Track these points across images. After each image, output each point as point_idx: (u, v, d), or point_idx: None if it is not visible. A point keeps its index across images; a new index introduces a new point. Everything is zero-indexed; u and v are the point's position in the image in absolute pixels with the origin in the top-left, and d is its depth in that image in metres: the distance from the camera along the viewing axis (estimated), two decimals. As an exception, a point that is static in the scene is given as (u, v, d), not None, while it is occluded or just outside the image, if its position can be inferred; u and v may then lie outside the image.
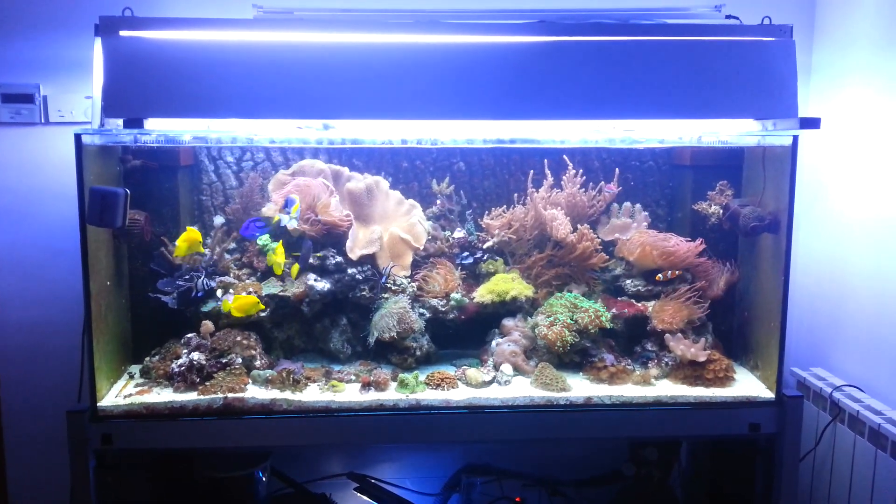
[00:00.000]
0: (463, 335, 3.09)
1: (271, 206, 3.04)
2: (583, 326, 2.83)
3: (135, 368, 2.92)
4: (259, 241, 3.01)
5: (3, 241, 3.19)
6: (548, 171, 3.11)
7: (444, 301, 2.96)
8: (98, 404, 2.60)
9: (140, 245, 2.92)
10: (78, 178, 2.49)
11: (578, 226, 3.07)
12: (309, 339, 3.03)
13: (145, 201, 2.93)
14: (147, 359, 2.87)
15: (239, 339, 2.81)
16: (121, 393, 2.70)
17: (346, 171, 3.15)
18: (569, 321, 2.83)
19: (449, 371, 2.86)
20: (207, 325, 2.80)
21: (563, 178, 3.13)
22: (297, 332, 3.00)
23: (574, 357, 2.89)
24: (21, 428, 3.31)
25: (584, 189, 3.14)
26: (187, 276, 2.85)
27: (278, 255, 2.83)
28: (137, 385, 2.76)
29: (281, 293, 2.90)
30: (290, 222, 2.85)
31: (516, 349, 2.88)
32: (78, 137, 2.49)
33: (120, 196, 2.52)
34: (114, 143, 2.75)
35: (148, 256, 2.97)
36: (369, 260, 2.95)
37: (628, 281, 3.05)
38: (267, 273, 2.99)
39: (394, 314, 2.82)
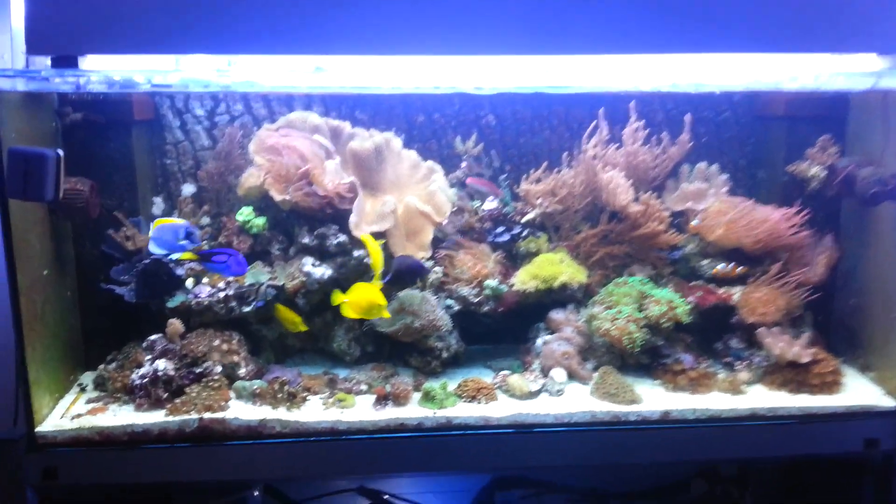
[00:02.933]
0: (498, 331, 2.61)
1: (253, 171, 2.52)
2: (654, 320, 2.36)
3: (88, 377, 2.42)
4: (239, 217, 2.50)
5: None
6: (602, 123, 2.59)
7: (477, 289, 2.47)
8: (37, 429, 2.11)
9: (87, 223, 2.39)
10: (-6, 138, 1.96)
11: (640, 194, 2.57)
12: (307, 338, 2.54)
13: (91, 167, 2.41)
14: (102, 367, 2.38)
15: (217, 342, 2.31)
16: (68, 412, 2.21)
17: (347, 126, 2.62)
18: (636, 314, 2.35)
19: (485, 378, 2.38)
20: (175, 325, 2.30)
21: (624, 133, 2.61)
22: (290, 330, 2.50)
23: (642, 358, 2.42)
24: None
25: (646, 146, 2.63)
26: (146, 262, 2.33)
27: (286, 314, 2.40)
28: (90, 401, 2.27)
29: (271, 282, 2.39)
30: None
31: (569, 349, 2.40)
32: (-9, 81, 1.95)
33: (48, 159, 1.99)
34: (39, 89, 2.21)
35: (98, 236, 2.45)
36: (380, 239, 2.44)
37: (704, 261, 2.56)
38: (250, 257, 2.48)
39: (416, 311, 2.33)
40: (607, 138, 2.60)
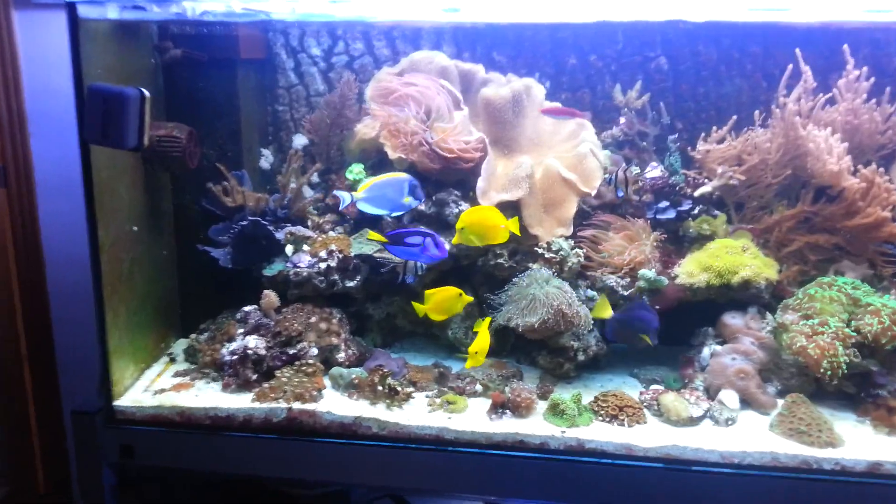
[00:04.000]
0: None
1: (368, 122, 2.16)
2: (869, 338, 1.77)
3: (181, 345, 2.23)
4: (349, 175, 2.16)
5: None
6: (805, 68, 1.98)
7: (628, 280, 1.98)
8: (115, 403, 1.93)
9: (185, 174, 2.16)
10: (74, 71, 1.73)
11: (860, 166, 1.95)
12: (418, 320, 2.19)
13: (191, 111, 2.16)
14: (194, 336, 2.17)
15: (315, 319, 2.01)
16: (152, 385, 2.01)
17: (480, 70, 2.20)
18: (844, 329, 1.77)
19: (630, 392, 1.92)
20: (270, 297, 2.02)
21: (839, 83, 1.98)
22: (401, 308, 2.17)
23: (846, 386, 1.84)
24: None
25: (873, 104, 1.98)
26: (244, 223, 2.07)
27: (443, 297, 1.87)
28: (177, 374, 2.07)
29: (379, 255, 2.05)
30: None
31: (746, 366, 1.87)
32: (72, 7, 1.70)
33: (130, 99, 1.74)
34: (135, 18, 1.96)
35: (198, 190, 2.21)
36: (511, 209, 2.01)
37: (947, 262, 1.91)
38: (360, 223, 2.15)
39: (545, 302, 1.89)
40: (812, 85, 1.98)
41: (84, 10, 1.73)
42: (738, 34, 2.15)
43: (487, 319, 1.83)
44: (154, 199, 2.14)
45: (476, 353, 1.76)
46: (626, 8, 1.97)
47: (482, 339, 1.78)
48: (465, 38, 2.28)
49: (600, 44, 2.24)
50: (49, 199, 1.80)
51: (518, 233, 1.85)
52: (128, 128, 1.76)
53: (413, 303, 1.89)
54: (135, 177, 2.03)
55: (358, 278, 2.07)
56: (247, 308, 2.05)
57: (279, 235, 2.07)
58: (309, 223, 2.16)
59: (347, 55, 2.35)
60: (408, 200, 1.83)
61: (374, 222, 2.17)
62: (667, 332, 2.09)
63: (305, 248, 2.06)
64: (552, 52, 2.26)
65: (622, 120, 2.19)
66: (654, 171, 2.10)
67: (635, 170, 2.12)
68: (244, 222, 2.06)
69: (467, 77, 2.18)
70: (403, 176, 1.86)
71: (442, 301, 1.86)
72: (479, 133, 2.02)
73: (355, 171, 2.15)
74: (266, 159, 2.37)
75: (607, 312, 1.88)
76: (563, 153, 2.13)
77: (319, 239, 2.07)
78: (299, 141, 2.38)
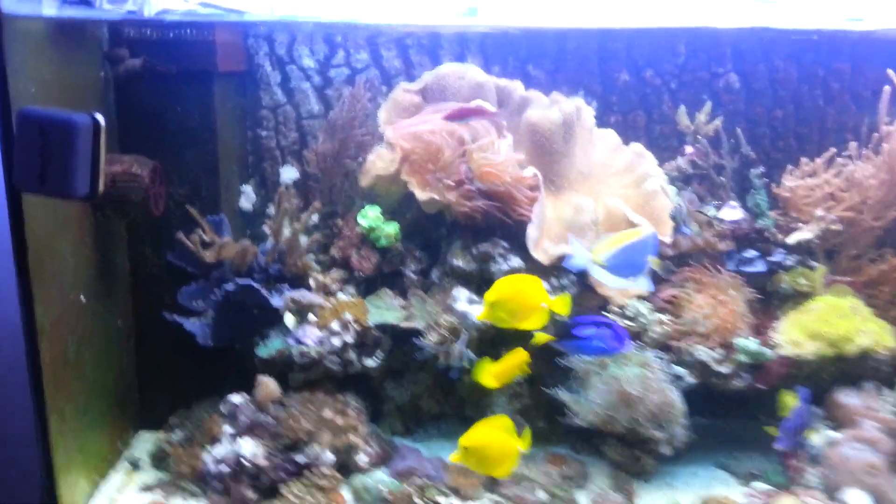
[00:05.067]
0: (739, 405, 1.75)
1: (383, 152, 1.72)
2: None
3: (143, 443, 1.73)
4: (363, 220, 1.72)
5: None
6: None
7: (722, 351, 1.60)
8: (59, 539, 1.42)
9: (147, 222, 1.67)
10: (-3, 91, 1.24)
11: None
12: (447, 400, 1.76)
13: (153, 140, 1.67)
14: (163, 435, 1.67)
15: (329, 413, 1.56)
16: (111, 504, 1.51)
17: (518, 87, 1.80)
18: None
19: (731, 492, 1.54)
20: (268, 386, 1.55)
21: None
22: (427, 388, 1.73)
23: None
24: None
25: None
26: (229, 287, 1.59)
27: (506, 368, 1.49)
28: (145, 489, 1.57)
29: (405, 324, 1.61)
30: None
31: (874, 459, 1.52)
32: (-9, 3, 1.22)
33: (79, 130, 1.26)
34: (80, 17, 1.48)
35: (163, 242, 1.72)
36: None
37: None
38: (374, 282, 1.72)
39: (624, 390, 1.49)
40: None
41: (10, 4, 1.23)
42: (823, 47, 1.82)
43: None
44: (106, 256, 1.64)
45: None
46: (689, 10, 1.62)
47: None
48: (494, 47, 1.87)
49: (658, 57, 1.88)
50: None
51: (566, 312, 1.45)
52: (76, 170, 1.27)
53: (464, 359, 1.48)
54: (81, 230, 1.54)
55: (379, 355, 1.63)
56: (235, 399, 1.58)
57: (276, 302, 1.61)
58: (311, 282, 1.70)
59: (348, 67, 1.90)
60: (655, 264, 1.38)
61: (391, 280, 1.73)
62: (756, 408, 1.72)
63: (312, 317, 1.60)
64: (600, 65, 1.89)
65: (689, 149, 1.82)
66: (734, 211, 1.73)
67: (710, 210, 1.76)
68: (229, 286, 1.59)
69: (503, 95, 1.78)
70: (645, 232, 1.40)
71: (509, 367, 1.46)
72: (531, 168, 1.61)
73: (370, 215, 1.70)
74: (247, 198, 1.90)
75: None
76: (620, 189, 1.74)
77: (329, 306, 1.61)
78: (289, 174, 1.92)
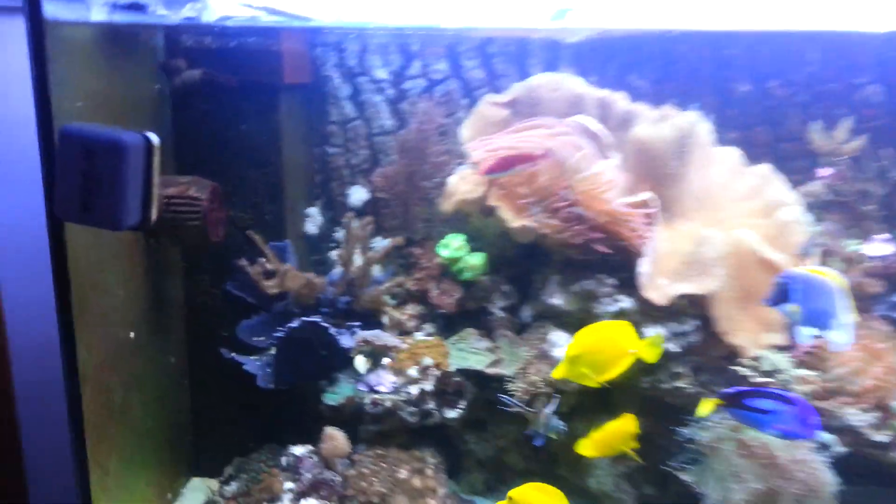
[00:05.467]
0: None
1: (467, 173, 1.52)
2: None
3: (194, 493, 1.56)
4: (442, 251, 1.52)
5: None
6: None
7: (875, 415, 1.33)
8: None
9: (205, 250, 1.51)
10: (38, 102, 1.09)
11: None
12: (536, 456, 1.54)
13: (213, 159, 1.51)
14: (217, 487, 1.49)
15: (404, 473, 1.35)
16: (157, 568, 1.33)
17: (620, 100, 1.57)
18: None
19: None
20: (336, 441, 1.37)
21: None
22: (514, 441, 1.51)
23: None
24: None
25: None
26: (294, 325, 1.41)
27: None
28: (193, 547, 1.39)
29: (491, 370, 1.40)
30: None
31: None
32: (34, 3, 1.06)
33: (129, 151, 1.09)
34: (131, 23, 1.33)
35: (223, 270, 1.56)
36: (690, 304, 1.37)
37: None
38: (454, 320, 1.51)
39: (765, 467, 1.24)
40: None
41: (54, 9, 1.08)
42: None
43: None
44: (159, 287, 1.48)
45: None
46: (822, 12, 1.38)
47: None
48: (590, 54, 1.66)
49: (784, 65, 1.63)
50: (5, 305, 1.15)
51: (653, 360, 1.22)
52: (125, 197, 1.11)
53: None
54: (132, 259, 1.37)
55: (461, 405, 1.41)
56: (297, 450, 1.40)
57: (346, 342, 1.41)
58: (385, 319, 1.50)
59: (425, 78, 1.71)
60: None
61: (474, 318, 1.52)
62: None
63: (386, 360, 1.40)
64: (715, 75, 1.64)
65: (824, 171, 1.56)
66: (885, 246, 1.46)
67: (851, 244, 1.49)
68: (293, 323, 1.40)
69: (602, 109, 1.55)
70: (831, 277, 1.12)
71: (612, 437, 1.23)
72: (647, 192, 1.39)
73: (453, 245, 1.50)
74: (313, 221, 1.73)
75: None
76: (744, 219, 1.49)
77: (406, 348, 1.41)
78: (358, 195, 1.74)
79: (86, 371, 1.21)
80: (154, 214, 1.17)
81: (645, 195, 1.39)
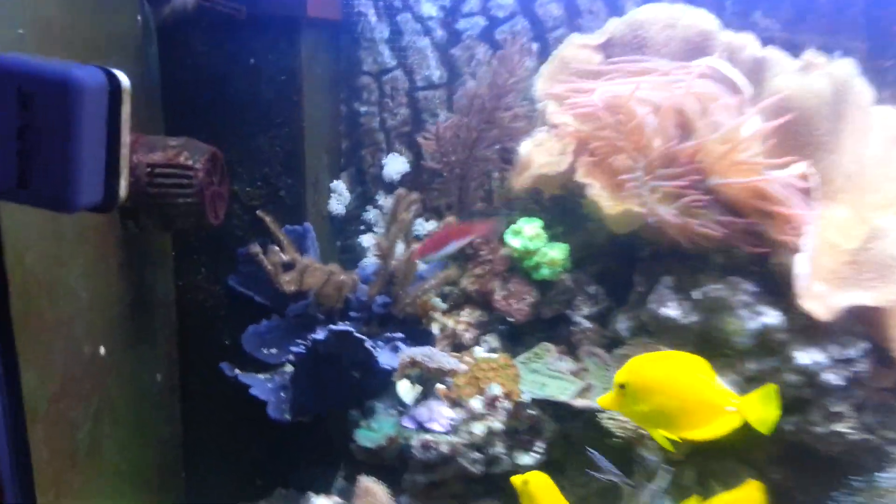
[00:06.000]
0: None
1: (544, 139, 1.16)
2: None
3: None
4: (512, 239, 1.16)
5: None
6: None
7: None
8: None
9: (202, 233, 1.17)
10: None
11: None
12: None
13: (213, 115, 1.15)
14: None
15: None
16: None
17: (750, 43, 1.19)
18: None
19: None
20: (374, 497, 1.02)
21: None
22: (597, 492, 1.16)
23: None
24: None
25: None
26: (318, 337, 1.06)
27: None
28: None
29: (579, 402, 1.05)
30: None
31: None
32: None
33: (82, 92, 0.73)
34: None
35: (224, 260, 1.22)
36: (857, 321, 1.01)
37: None
38: (523, 333, 1.16)
39: None
40: None
41: None
42: None
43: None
44: (140, 285, 1.13)
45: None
46: None
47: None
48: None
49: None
50: None
51: (768, 429, 0.87)
52: (79, 164, 0.75)
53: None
54: (103, 248, 1.03)
55: (538, 447, 1.07)
56: (320, 502, 1.05)
57: (386, 361, 1.07)
58: (434, 327, 1.15)
59: (485, 16, 1.34)
60: None
61: (549, 329, 1.17)
62: None
63: (440, 387, 1.06)
64: (867, 13, 1.26)
65: None
66: None
67: None
68: (319, 334, 1.06)
69: (734, 54, 1.17)
70: None
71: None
72: (800, 164, 1.02)
73: (527, 232, 1.14)
74: (339, 199, 1.38)
75: None
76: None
77: (465, 370, 1.06)
78: (395, 166, 1.38)
79: (37, 405, 0.88)
80: (123, 190, 0.82)
81: (799, 166, 1.02)
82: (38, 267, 0.88)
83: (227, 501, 1.26)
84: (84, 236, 0.99)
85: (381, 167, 1.41)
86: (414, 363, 1.04)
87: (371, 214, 1.43)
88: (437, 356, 1.04)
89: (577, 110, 1.10)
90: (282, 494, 1.18)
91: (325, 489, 1.14)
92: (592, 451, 0.95)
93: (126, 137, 0.81)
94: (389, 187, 1.42)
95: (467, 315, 1.18)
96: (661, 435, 0.88)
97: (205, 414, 1.26)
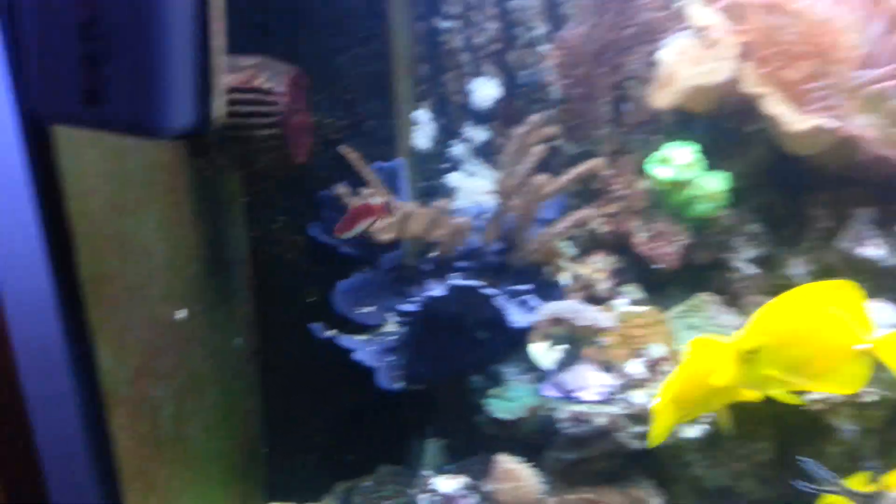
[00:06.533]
0: None
1: (689, 44, 0.95)
2: None
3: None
4: (656, 167, 0.96)
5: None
6: None
7: None
8: None
9: (285, 174, 0.97)
10: None
11: None
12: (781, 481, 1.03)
13: (284, 27, 0.96)
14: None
15: (624, 530, 0.85)
16: None
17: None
18: None
19: None
20: (517, 479, 0.85)
21: None
22: (756, 465, 1.00)
23: None
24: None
25: None
26: (435, 293, 0.89)
27: None
28: None
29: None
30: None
31: None
32: None
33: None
34: None
35: (306, 206, 1.04)
36: None
37: None
38: (669, 282, 0.98)
39: None
40: None
41: None
42: None
43: None
44: (214, 236, 0.94)
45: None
46: None
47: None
48: None
49: None
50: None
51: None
52: (167, 75, 0.56)
53: None
54: (175, 195, 0.84)
55: (706, 417, 0.90)
56: (443, 483, 0.89)
57: (518, 318, 0.89)
58: (563, 277, 0.97)
59: None
60: None
61: (701, 276, 0.99)
62: None
63: (587, 349, 0.88)
64: None
65: None
66: None
67: None
68: (437, 291, 0.88)
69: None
70: None
71: None
72: None
73: (677, 160, 0.95)
74: (423, 131, 1.18)
75: None
76: None
77: (616, 330, 0.88)
78: (486, 91, 1.18)
79: (116, 389, 0.71)
80: (220, 109, 0.63)
81: None
82: (104, 219, 0.70)
83: (314, 480, 1.11)
84: (154, 179, 0.81)
85: (467, 94, 1.22)
86: (558, 321, 0.86)
87: (458, 149, 1.24)
88: (585, 311, 0.86)
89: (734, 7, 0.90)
90: (389, 471, 1.02)
91: (439, 467, 0.98)
92: (804, 459, 0.78)
93: (221, 38, 0.62)
94: (477, 117, 1.23)
95: (599, 262, 1.00)
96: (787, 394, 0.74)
97: (288, 382, 1.09)
